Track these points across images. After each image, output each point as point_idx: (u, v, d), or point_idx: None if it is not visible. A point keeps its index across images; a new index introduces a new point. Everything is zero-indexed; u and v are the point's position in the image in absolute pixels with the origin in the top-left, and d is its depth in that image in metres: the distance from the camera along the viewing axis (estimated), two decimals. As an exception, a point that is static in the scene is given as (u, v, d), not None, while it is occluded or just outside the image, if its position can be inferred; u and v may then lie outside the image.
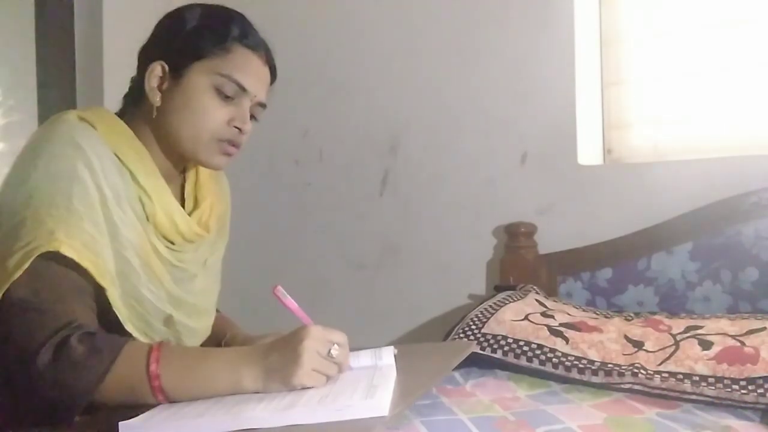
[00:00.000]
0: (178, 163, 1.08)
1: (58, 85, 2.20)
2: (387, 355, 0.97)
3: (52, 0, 2.19)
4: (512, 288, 1.77)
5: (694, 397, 1.21)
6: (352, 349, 1.01)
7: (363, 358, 0.97)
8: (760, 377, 1.20)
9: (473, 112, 2.01)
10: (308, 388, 0.84)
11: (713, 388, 1.21)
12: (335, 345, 0.87)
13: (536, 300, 1.65)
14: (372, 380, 0.86)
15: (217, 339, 1.21)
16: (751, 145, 1.74)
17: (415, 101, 2.10)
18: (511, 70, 1.96)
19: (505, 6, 1.96)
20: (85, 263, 0.89)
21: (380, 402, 0.76)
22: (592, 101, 1.95)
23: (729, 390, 1.20)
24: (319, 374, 0.85)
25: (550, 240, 1.88)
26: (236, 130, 1.03)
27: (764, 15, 1.75)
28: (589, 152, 1.92)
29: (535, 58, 1.93)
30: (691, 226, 1.69)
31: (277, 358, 0.86)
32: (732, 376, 1.22)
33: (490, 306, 1.58)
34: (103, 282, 0.91)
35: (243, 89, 1.02)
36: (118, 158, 0.98)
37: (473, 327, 1.49)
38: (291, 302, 0.93)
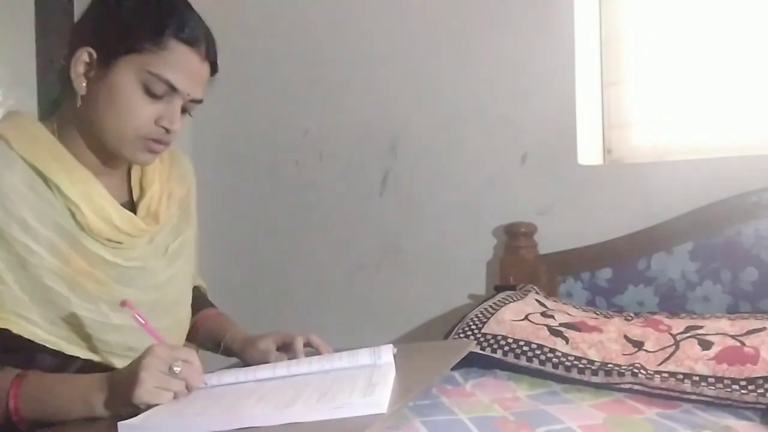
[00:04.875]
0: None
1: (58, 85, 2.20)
2: (386, 354, 0.97)
3: (52, 0, 2.19)
4: (512, 288, 1.77)
5: (694, 397, 1.21)
6: (352, 348, 1.01)
7: (362, 357, 0.97)
8: (760, 377, 1.20)
9: (473, 112, 2.01)
10: (154, 405, 0.84)
11: (713, 388, 1.21)
12: (179, 361, 0.86)
13: (536, 300, 1.65)
14: (371, 378, 0.86)
15: (215, 340, 1.20)
16: (751, 145, 1.74)
17: (415, 101, 2.10)
18: (511, 70, 1.96)
19: (505, 6, 1.96)
20: None
21: (379, 399, 0.76)
22: (592, 101, 1.95)
23: (729, 390, 1.20)
24: (162, 390, 0.85)
25: (550, 240, 1.88)
26: (163, 129, 0.97)
27: (765, 15, 1.75)
28: (589, 152, 1.92)
29: (535, 58, 1.93)
30: (691, 226, 1.69)
31: (121, 380, 0.86)
32: (732, 376, 1.22)
33: (490, 306, 1.58)
34: None
35: (174, 89, 0.96)
36: (39, 171, 0.95)
37: (473, 327, 1.49)
38: (142, 318, 0.93)
